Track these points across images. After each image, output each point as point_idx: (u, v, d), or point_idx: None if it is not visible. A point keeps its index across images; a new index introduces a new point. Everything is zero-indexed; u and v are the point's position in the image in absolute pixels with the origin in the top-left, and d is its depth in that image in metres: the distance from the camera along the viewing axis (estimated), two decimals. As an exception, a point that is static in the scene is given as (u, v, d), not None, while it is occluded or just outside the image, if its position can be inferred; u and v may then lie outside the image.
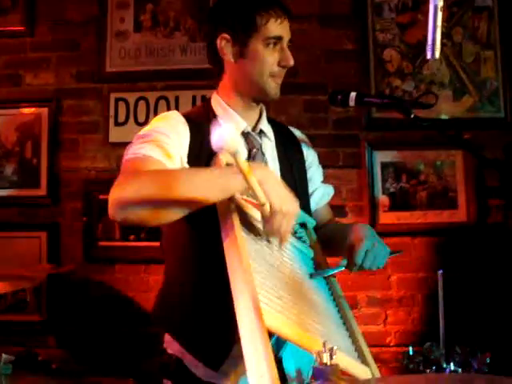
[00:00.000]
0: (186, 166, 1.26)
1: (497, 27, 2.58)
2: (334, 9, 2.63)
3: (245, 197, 1.19)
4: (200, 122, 1.33)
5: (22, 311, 2.54)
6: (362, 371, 1.07)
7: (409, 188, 2.53)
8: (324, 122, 2.58)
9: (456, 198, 2.51)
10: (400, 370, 2.28)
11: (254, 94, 1.38)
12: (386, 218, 2.52)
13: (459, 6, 2.58)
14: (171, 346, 1.33)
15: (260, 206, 1.09)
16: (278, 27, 1.31)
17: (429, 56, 1.19)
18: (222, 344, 1.23)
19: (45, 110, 2.66)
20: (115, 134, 2.62)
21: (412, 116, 1.34)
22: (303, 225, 1.39)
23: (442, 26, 1.25)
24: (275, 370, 0.80)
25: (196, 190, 1.08)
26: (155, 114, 2.58)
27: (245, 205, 1.19)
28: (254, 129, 1.41)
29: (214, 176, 1.12)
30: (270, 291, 0.99)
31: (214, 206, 1.13)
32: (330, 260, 1.38)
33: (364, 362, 1.12)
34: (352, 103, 1.42)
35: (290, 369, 1.23)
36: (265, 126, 1.43)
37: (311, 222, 1.41)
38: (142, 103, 2.63)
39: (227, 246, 1.05)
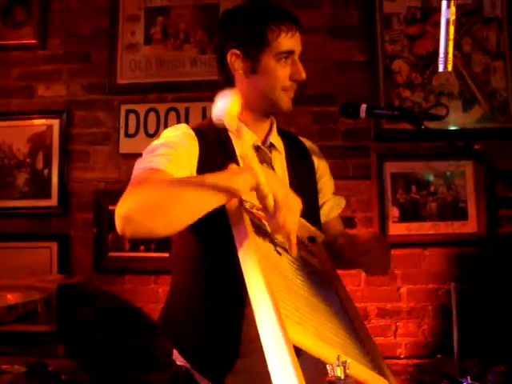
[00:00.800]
0: None
1: (506, 37, 2.58)
2: (343, 21, 2.65)
3: (254, 210, 1.18)
4: (209, 136, 1.31)
5: (33, 322, 2.55)
6: (381, 383, 1.07)
7: (419, 199, 2.53)
8: (333, 133, 2.59)
9: (466, 209, 2.50)
10: (411, 383, 2.26)
11: (266, 109, 1.36)
12: (396, 229, 2.51)
13: (468, 17, 2.59)
14: (180, 357, 1.33)
15: (264, 201, 1.07)
16: (289, 41, 1.30)
17: (441, 69, 1.19)
18: (225, 359, 1.23)
19: (56, 122, 2.69)
20: (125, 146, 2.64)
21: (422, 127, 1.34)
22: (312, 238, 1.38)
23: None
24: (302, 378, 0.81)
25: (201, 193, 1.05)
26: (165, 125, 2.60)
27: (254, 217, 1.18)
28: (263, 142, 1.39)
29: (218, 177, 1.08)
30: (288, 303, 0.99)
31: (225, 219, 1.11)
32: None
33: (381, 373, 1.11)
34: (363, 115, 1.42)
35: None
36: (275, 138, 1.42)
37: (320, 236, 1.40)
38: (152, 115, 2.65)
39: (244, 257, 1.02)
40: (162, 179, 1.14)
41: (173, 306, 1.39)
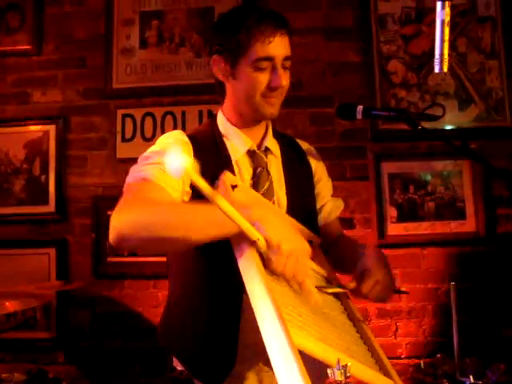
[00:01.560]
0: (188, 189, 1.22)
1: (501, 37, 2.59)
2: (338, 21, 2.65)
3: None
4: (204, 142, 1.31)
5: (32, 328, 2.54)
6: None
7: (416, 199, 2.53)
8: (330, 134, 2.59)
9: (464, 208, 2.51)
10: (412, 382, 2.26)
11: (250, 114, 1.33)
12: (394, 229, 2.51)
13: (463, 17, 2.60)
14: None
15: (254, 245, 1.01)
16: (266, 48, 1.24)
17: (437, 70, 1.19)
18: (222, 366, 1.23)
19: (52, 127, 2.68)
20: (122, 150, 2.64)
21: (419, 128, 1.35)
22: (309, 242, 1.37)
23: (446, 36, 1.25)
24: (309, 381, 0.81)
25: (192, 229, 1.05)
26: (162, 129, 2.60)
27: None
28: (259, 146, 1.37)
29: (210, 213, 1.01)
30: (290, 308, 0.99)
31: None
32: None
33: (386, 374, 1.11)
34: (359, 116, 1.42)
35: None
36: (270, 142, 1.40)
37: (317, 240, 1.39)
38: (148, 119, 2.64)
39: (244, 265, 1.02)
40: (155, 204, 1.13)
41: (170, 314, 1.40)
